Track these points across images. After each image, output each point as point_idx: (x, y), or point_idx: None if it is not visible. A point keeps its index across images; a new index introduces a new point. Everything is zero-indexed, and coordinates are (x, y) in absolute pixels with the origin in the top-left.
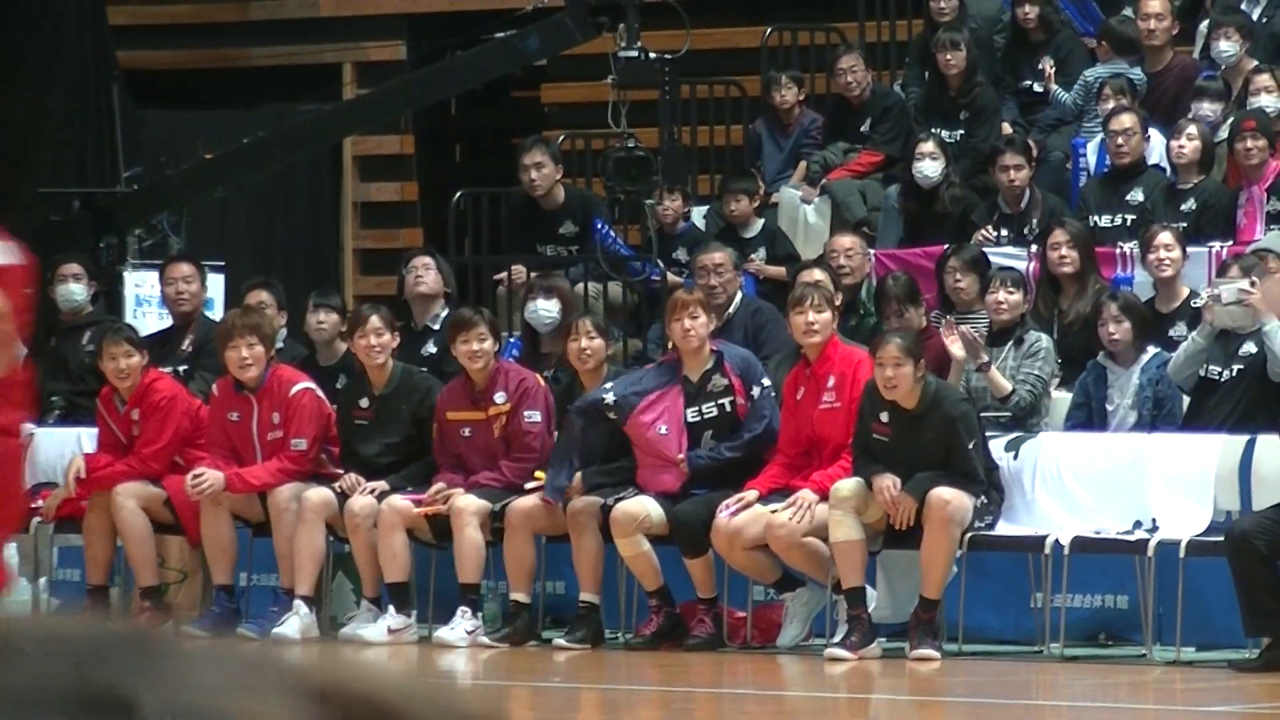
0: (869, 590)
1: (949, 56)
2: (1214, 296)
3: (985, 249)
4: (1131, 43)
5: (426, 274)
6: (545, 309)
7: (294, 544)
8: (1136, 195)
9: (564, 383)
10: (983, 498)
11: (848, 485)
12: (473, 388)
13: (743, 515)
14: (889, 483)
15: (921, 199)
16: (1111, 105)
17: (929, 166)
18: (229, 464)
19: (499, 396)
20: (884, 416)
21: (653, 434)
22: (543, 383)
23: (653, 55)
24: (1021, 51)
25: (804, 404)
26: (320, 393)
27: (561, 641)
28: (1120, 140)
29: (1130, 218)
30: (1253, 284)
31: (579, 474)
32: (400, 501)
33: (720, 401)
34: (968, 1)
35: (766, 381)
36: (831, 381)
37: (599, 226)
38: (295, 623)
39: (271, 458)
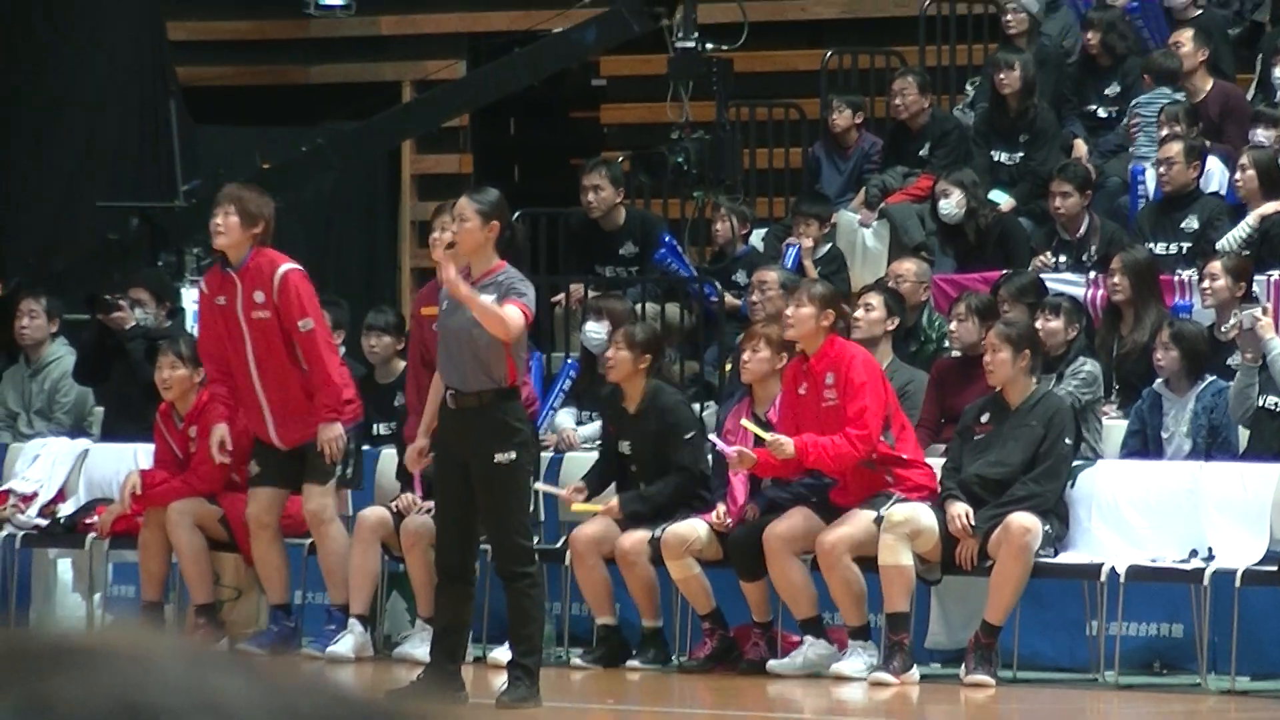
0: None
1: (1002, 76)
2: (1239, 323)
3: (1044, 275)
4: (1172, 74)
5: None
6: (594, 331)
7: (349, 562)
8: (1191, 223)
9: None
10: (1048, 526)
11: (902, 511)
12: None
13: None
14: (961, 511)
15: (950, 232)
16: (1165, 133)
17: (945, 205)
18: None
19: None
20: (984, 418)
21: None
22: None
23: (709, 46)
24: (1088, 76)
25: (807, 401)
26: (301, 269)
27: (577, 660)
28: (1163, 169)
29: (1185, 245)
30: (1265, 310)
31: (616, 499)
32: None
33: None
34: (1040, 18)
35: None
36: (830, 379)
37: (666, 240)
38: (350, 641)
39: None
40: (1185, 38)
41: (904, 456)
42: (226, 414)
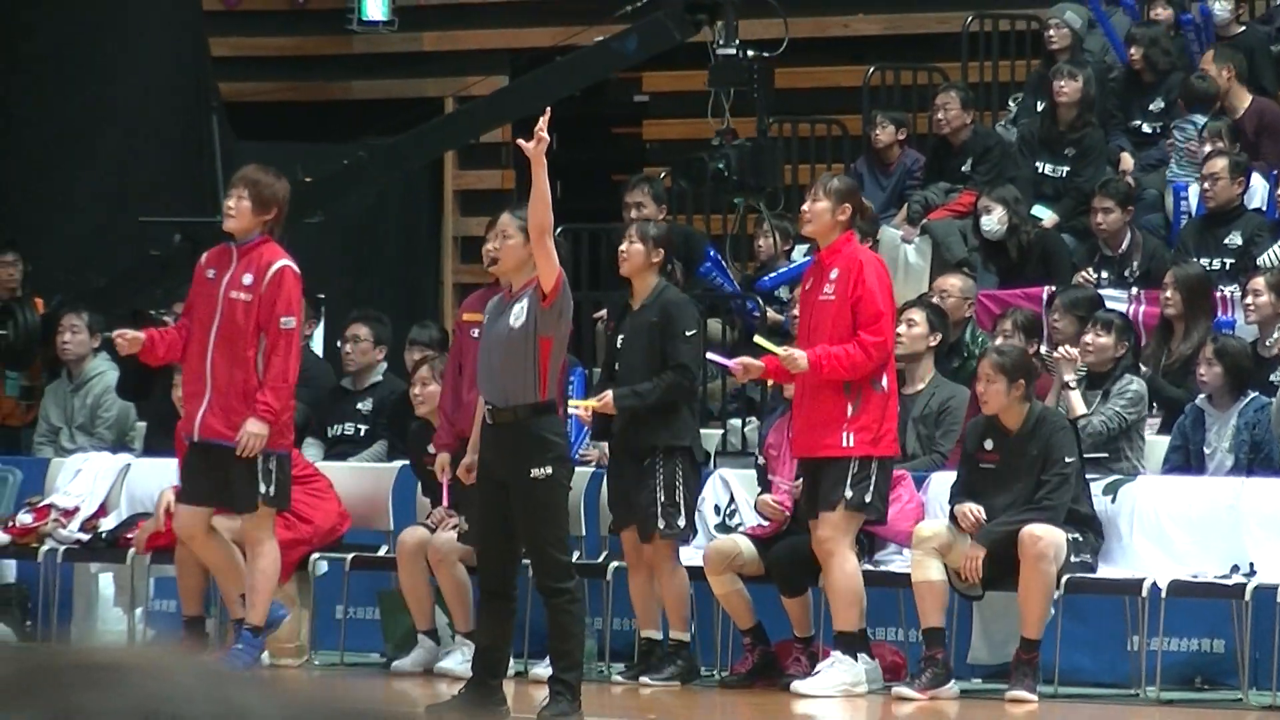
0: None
1: (1062, 84)
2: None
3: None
4: (1206, 98)
5: None
6: None
7: (403, 583)
8: (1234, 239)
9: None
10: (1077, 534)
11: (929, 527)
12: None
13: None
14: (969, 508)
15: (992, 249)
16: (1209, 149)
17: (987, 222)
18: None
19: None
20: (988, 444)
21: (774, 465)
22: None
23: (750, 54)
24: (1133, 91)
25: (810, 294)
26: (297, 270)
27: (618, 676)
28: (1208, 185)
29: (1229, 261)
30: None
31: (609, 393)
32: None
33: None
34: (1083, 34)
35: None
36: (834, 274)
37: (711, 254)
38: (419, 656)
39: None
40: (1208, 60)
41: (883, 381)
42: (153, 334)
